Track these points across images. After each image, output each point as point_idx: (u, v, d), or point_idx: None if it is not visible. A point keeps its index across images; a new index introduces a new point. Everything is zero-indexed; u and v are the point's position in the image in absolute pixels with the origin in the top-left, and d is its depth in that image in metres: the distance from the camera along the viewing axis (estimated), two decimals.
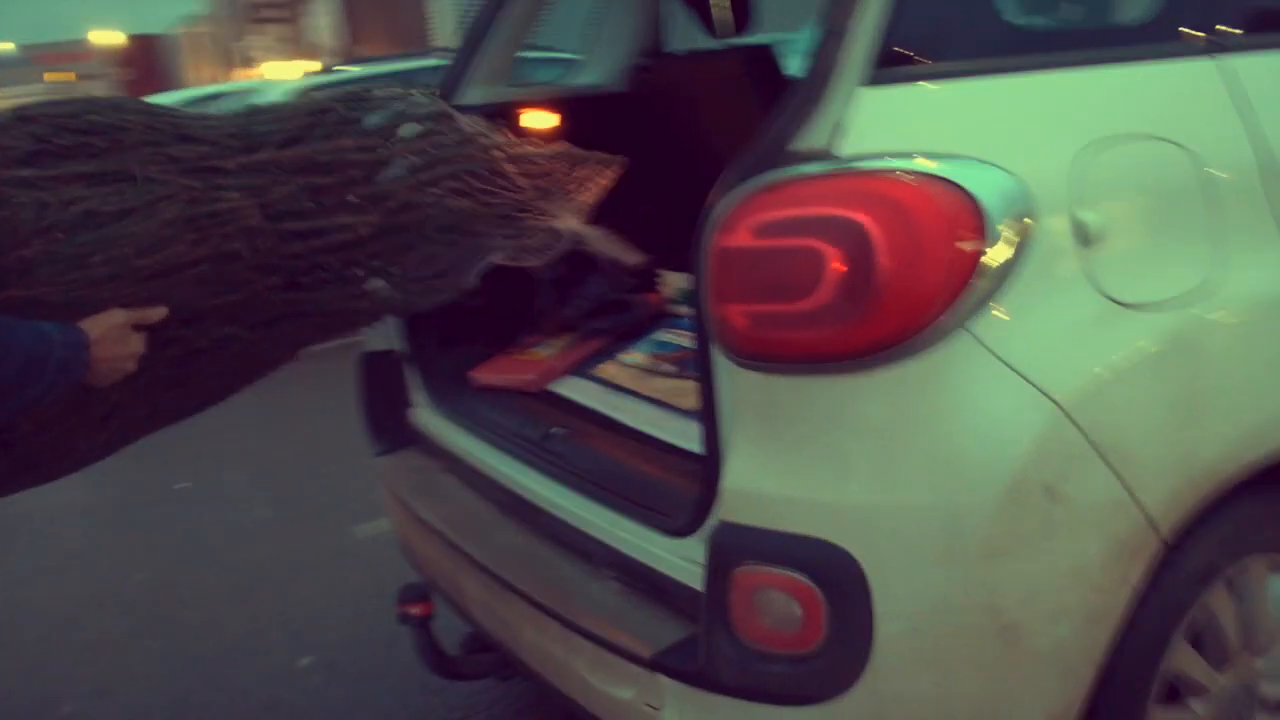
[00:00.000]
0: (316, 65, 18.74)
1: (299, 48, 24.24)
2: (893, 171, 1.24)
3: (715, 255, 1.31)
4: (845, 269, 1.23)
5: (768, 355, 1.30)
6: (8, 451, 1.52)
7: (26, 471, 1.60)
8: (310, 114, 1.70)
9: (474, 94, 2.31)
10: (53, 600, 3.30)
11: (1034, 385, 1.25)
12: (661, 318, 2.36)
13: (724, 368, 1.38)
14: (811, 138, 1.30)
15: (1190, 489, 1.35)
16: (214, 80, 23.26)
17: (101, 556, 3.63)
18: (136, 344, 1.46)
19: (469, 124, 1.74)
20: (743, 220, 1.29)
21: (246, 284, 1.59)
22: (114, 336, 1.42)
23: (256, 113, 1.73)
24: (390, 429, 2.34)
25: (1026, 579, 1.27)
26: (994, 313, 1.25)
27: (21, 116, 1.53)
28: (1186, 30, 1.47)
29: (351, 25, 21.00)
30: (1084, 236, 1.30)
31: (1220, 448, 1.36)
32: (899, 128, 1.29)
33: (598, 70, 2.69)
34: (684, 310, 2.35)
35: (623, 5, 2.70)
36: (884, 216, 1.22)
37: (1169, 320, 1.33)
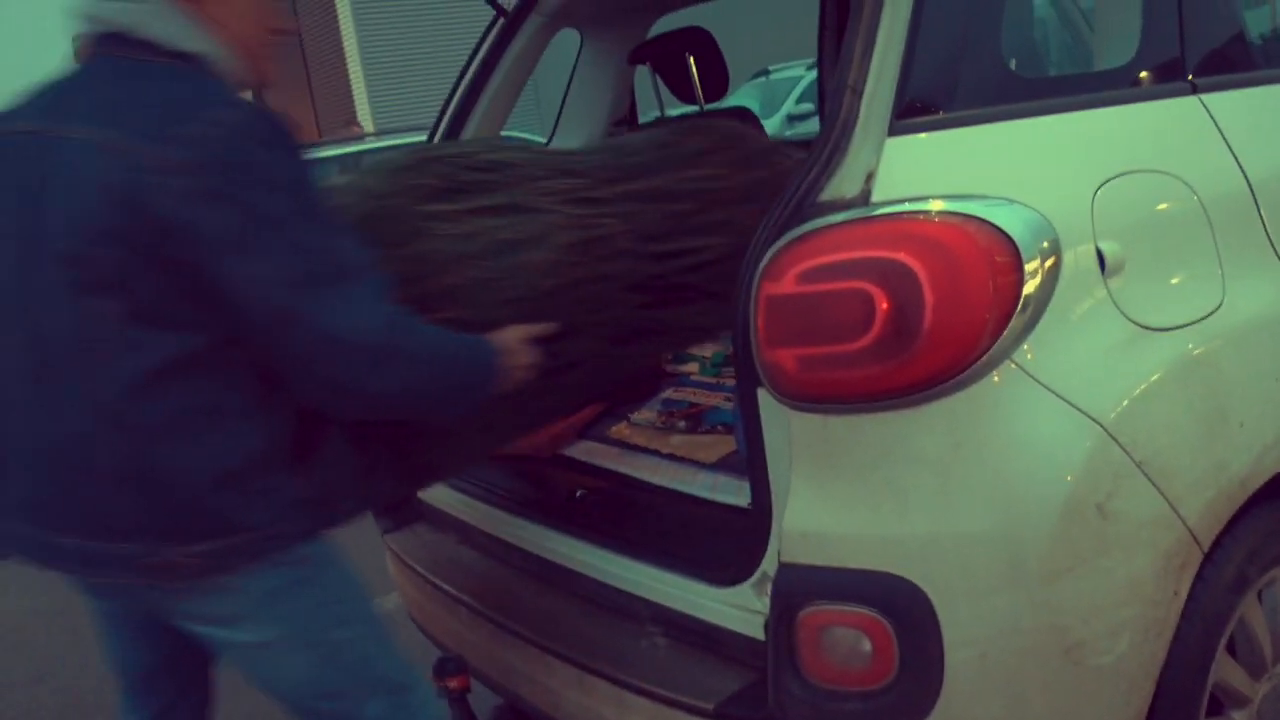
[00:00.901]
0: None
1: None
2: (930, 213, 1.31)
3: (763, 303, 1.35)
4: (893, 308, 1.28)
5: (821, 396, 1.34)
6: (406, 460, 1.64)
7: (419, 476, 1.78)
8: (659, 147, 1.90)
9: None
10: (34, 710, 3.16)
11: (1078, 409, 1.31)
12: (662, 377, 2.39)
13: (771, 412, 1.42)
14: (844, 187, 1.36)
15: (1224, 501, 1.41)
16: None
17: (80, 663, 3.49)
18: (533, 357, 1.58)
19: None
20: (788, 268, 1.34)
21: (615, 302, 1.76)
22: (515, 349, 1.54)
23: (618, 147, 1.95)
24: (396, 505, 2.33)
25: (1087, 597, 1.31)
26: (1035, 342, 1.31)
27: (426, 158, 1.72)
28: (1168, 71, 1.58)
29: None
30: (1106, 266, 1.37)
31: (1246, 459, 1.43)
32: (925, 174, 1.36)
33: (570, 138, 2.76)
34: (685, 369, 2.39)
35: (592, 78, 2.78)
36: (927, 255, 1.27)
37: (1190, 341, 1.41)
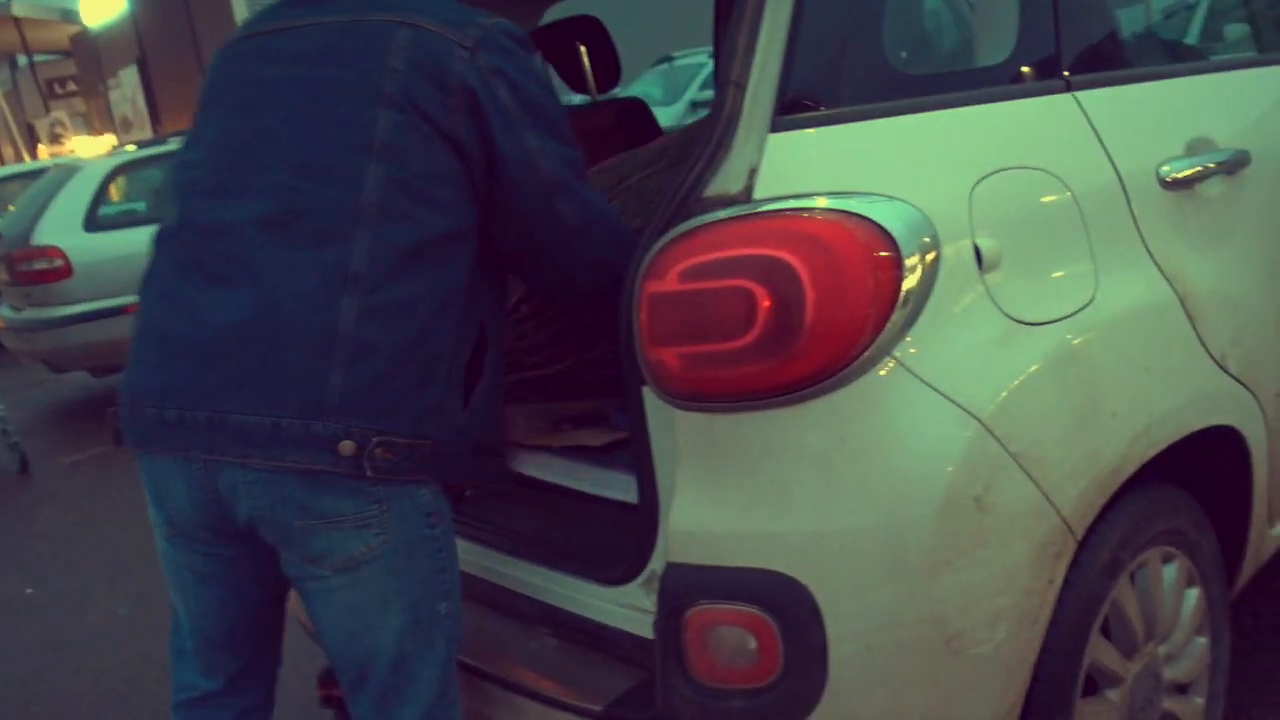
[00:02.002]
0: (116, 140, 17.96)
1: (103, 123, 23.16)
2: (811, 210, 1.30)
3: (645, 301, 1.33)
4: (774, 305, 1.27)
5: (704, 394, 1.33)
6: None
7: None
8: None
9: None
10: None
11: (956, 403, 1.33)
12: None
13: (656, 411, 1.41)
14: (728, 184, 1.35)
15: (1096, 489, 1.45)
16: (19, 159, 21.95)
17: None
18: None
19: None
20: (670, 266, 1.32)
21: None
22: None
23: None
24: None
25: (966, 588, 1.34)
26: (915, 338, 1.32)
27: None
28: (1044, 68, 1.61)
29: (157, 100, 20.23)
30: (984, 261, 1.39)
31: (1118, 448, 1.47)
32: (806, 170, 1.36)
33: None
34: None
35: None
36: (807, 252, 1.27)
37: (1063, 335, 1.44)
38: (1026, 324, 1.41)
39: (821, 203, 1.31)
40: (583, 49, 2.53)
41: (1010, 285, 1.41)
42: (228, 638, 1.55)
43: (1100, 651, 1.57)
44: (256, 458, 1.31)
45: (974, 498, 1.33)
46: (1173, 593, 1.70)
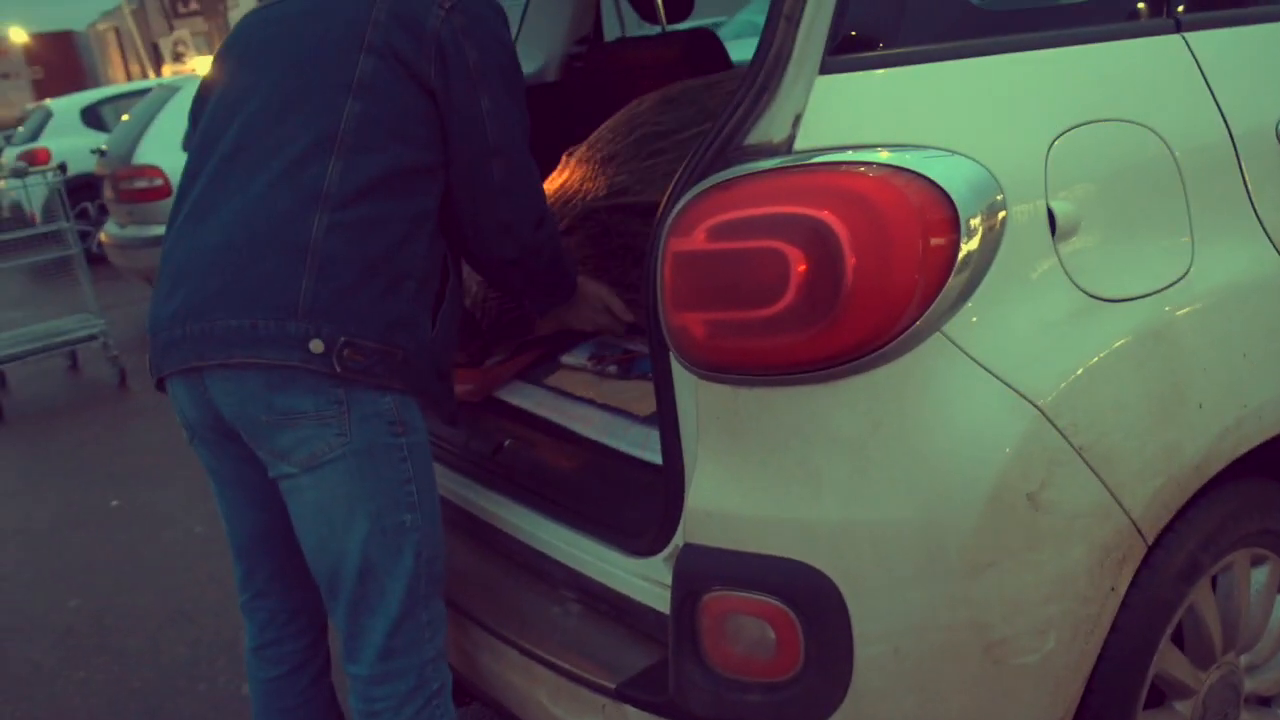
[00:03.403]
0: None
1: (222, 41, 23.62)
2: (855, 165, 1.16)
3: (670, 260, 1.22)
4: (809, 270, 1.14)
5: (730, 366, 1.21)
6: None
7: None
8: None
9: None
10: None
11: (1012, 388, 1.18)
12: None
13: (683, 379, 1.30)
14: (770, 131, 1.21)
15: (1174, 487, 1.29)
16: (144, 76, 22.59)
17: (32, 581, 3.46)
18: (595, 316, 1.93)
19: None
20: (698, 222, 1.20)
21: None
22: (589, 296, 1.90)
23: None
24: None
25: (1012, 592, 1.20)
26: (968, 313, 1.17)
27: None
28: (1151, 5, 1.41)
29: None
30: (1057, 228, 1.22)
31: (1203, 443, 1.30)
32: (857, 118, 1.21)
33: (529, 60, 2.58)
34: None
35: None
36: (849, 213, 1.13)
37: (1148, 314, 1.27)
38: (1104, 300, 1.25)
39: (867, 156, 1.16)
40: None
41: (1087, 256, 1.25)
42: (251, 544, 1.66)
43: (1170, 661, 1.42)
44: (238, 357, 1.39)
45: (1027, 494, 1.18)
46: (1261, 598, 1.53)
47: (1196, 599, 1.43)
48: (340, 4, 1.52)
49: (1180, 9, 1.42)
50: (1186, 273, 1.31)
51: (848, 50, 1.22)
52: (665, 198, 1.25)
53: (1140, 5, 1.40)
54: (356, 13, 1.49)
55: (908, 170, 1.15)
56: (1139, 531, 1.26)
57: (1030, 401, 1.18)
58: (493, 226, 1.58)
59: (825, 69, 1.21)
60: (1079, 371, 1.21)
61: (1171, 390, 1.27)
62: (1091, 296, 1.24)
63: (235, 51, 1.60)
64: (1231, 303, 1.35)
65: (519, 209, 1.58)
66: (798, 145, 1.19)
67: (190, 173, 1.54)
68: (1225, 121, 1.38)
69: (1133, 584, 1.32)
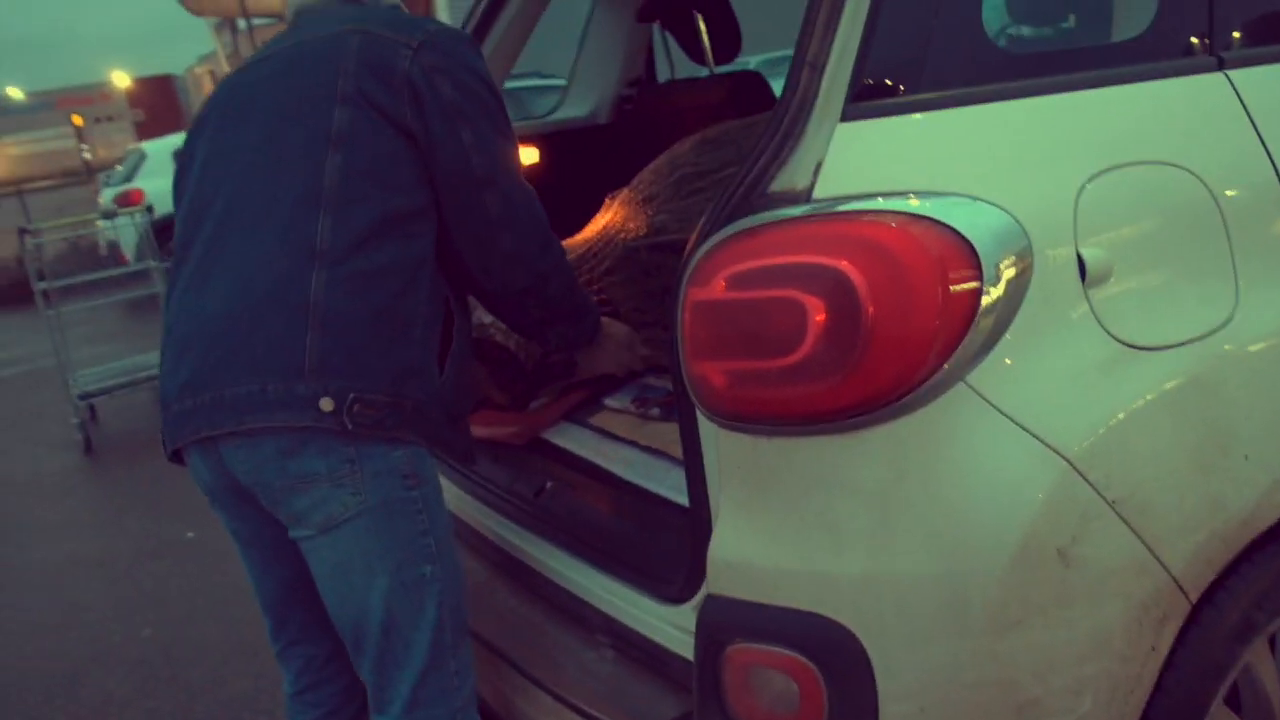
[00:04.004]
0: None
1: None
2: (873, 213, 1.15)
3: (689, 309, 1.22)
4: (827, 320, 1.13)
5: (750, 415, 1.21)
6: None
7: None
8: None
9: None
10: (57, 658, 3.24)
11: (1040, 440, 1.15)
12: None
13: (708, 427, 1.29)
14: (794, 178, 1.20)
15: (1218, 542, 1.23)
16: None
17: (110, 610, 3.57)
18: (619, 358, 1.93)
19: None
20: (716, 271, 1.19)
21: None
22: (616, 339, 1.91)
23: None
24: None
25: (1043, 651, 1.16)
26: (993, 362, 1.15)
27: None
28: (1193, 42, 1.37)
29: None
30: (1088, 274, 1.19)
31: (1250, 495, 1.25)
32: (879, 166, 1.20)
33: (581, 103, 2.61)
34: None
35: (604, 35, 2.62)
36: (866, 262, 1.12)
37: (1187, 361, 1.22)
38: (1138, 348, 1.21)
39: (890, 204, 1.15)
40: (700, 18, 2.39)
41: (1121, 302, 1.21)
42: (278, 599, 1.67)
43: None
44: (249, 423, 1.39)
45: (1057, 549, 1.15)
46: None
47: (1252, 660, 1.36)
48: (310, 60, 1.52)
49: (1224, 46, 1.37)
50: (1230, 319, 1.26)
51: (870, 97, 1.21)
52: (689, 246, 1.25)
53: (1179, 44, 1.36)
54: (327, 65, 1.49)
55: (927, 218, 1.14)
56: (1180, 588, 1.21)
57: (1059, 453, 1.15)
58: (498, 259, 1.56)
59: (846, 116, 1.20)
60: (1111, 422, 1.17)
61: (1213, 441, 1.22)
62: (1125, 344, 1.20)
63: (214, 117, 1.60)
64: None
65: (521, 237, 1.56)
66: (817, 193, 1.18)
67: (184, 241, 1.53)
68: (1273, 161, 1.33)
69: (1179, 643, 1.26)
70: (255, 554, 1.63)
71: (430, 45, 1.49)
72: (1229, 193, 1.30)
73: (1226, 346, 1.25)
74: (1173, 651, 1.26)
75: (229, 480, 1.49)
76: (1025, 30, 2.62)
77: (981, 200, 1.16)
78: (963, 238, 1.13)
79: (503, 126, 1.55)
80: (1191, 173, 1.28)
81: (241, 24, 26.19)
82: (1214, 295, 1.26)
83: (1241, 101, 1.35)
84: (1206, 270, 1.27)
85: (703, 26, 2.39)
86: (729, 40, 2.40)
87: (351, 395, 1.39)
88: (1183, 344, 1.23)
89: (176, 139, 11.28)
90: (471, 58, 1.54)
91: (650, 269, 2.00)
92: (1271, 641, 1.39)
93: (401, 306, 1.45)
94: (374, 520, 1.44)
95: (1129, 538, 1.17)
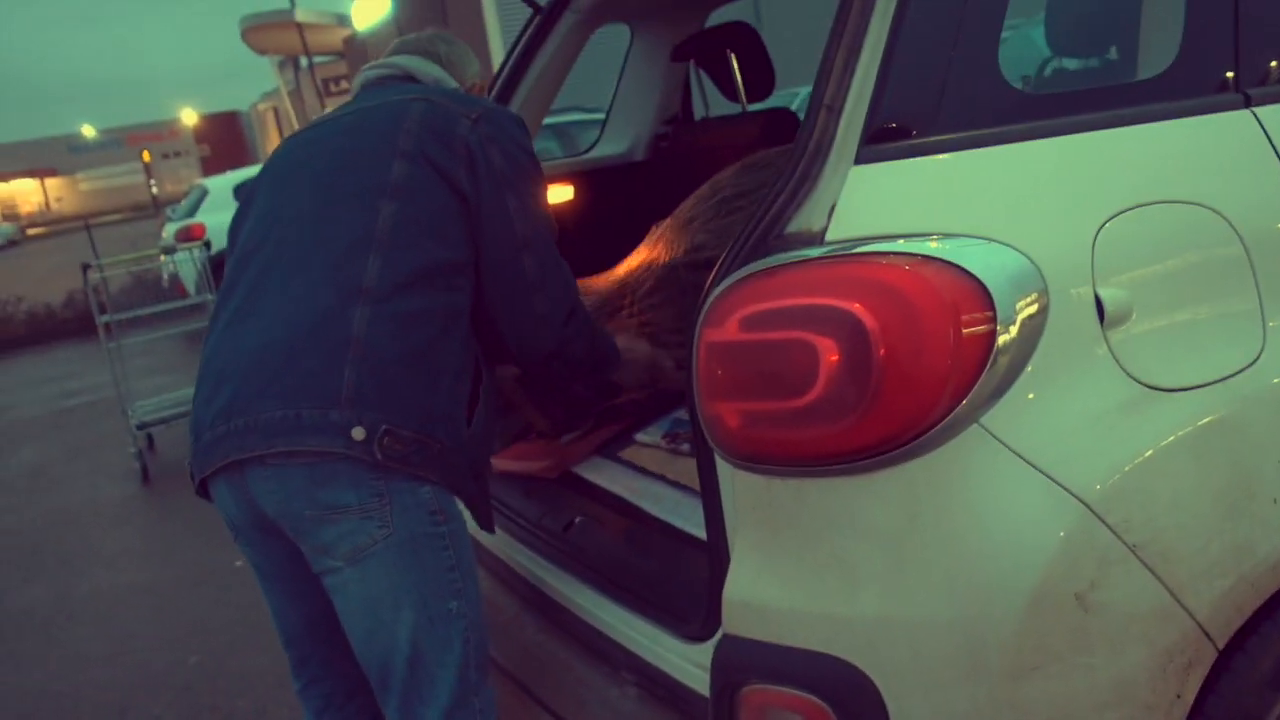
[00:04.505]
0: None
1: None
2: (886, 255, 1.15)
3: (704, 350, 1.22)
4: (840, 362, 1.13)
5: (764, 456, 1.21)
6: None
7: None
8: None
9: None
10: (108, 687, 3.31)
11: (1057, 482, 1.13)
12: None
13: (724, 467, 1.30)
14: (810, 220, 1.21)
15: (1246, 588, 1.21)
16: None
17: (158, 639, 3.64)
18: (638, 378, 1.95)
19: None
20: (731, 312, 1.20)
21: None
22: (638, 359, 1.94)
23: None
24: None
25: (1062, 699, 1.14)
26: (1008, 404, 1.14)
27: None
28: (1219, 79, 1.36)
29: None
30: (1106, 316, 1.18)
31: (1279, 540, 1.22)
32: (893, 208, 1.20)
33: (619, 140, 2.64)
34: None
35: (640, 75, 2.66)
36: (878, 304, 1.12)
37: (1211, 403, 1.20)
38: (1159, 389, 1.19)
39: (900, 247, 1.15)
40: (732, 56, 2.42)
41: (1141, 343, 1.19)
42: (301, 633, 1.69)
43: None
44: (279, 446, 1.43)
45: (1076, 594, 1.13)
46: None
47: None
48: (374, 120, 1.63)
49: (1251, 83, 1.36)
50: (1256, 360, 1.24)
51: (885, 139, 1.21)
52: (706, 286, 1.26)
53: (1205, 81, 1.35)
54: (389, 125, 1.59)
55: (939, 260, 1.14)
56: (1207, 635, 1.19)
57: (1076, 496, 1.13)
58: (529, 320, 1.63)
59: (860, 159, 1.21)
60: (1131, 465, 1.16)
61: (1239, 484, 1.20)
62: (1146, 386, 1.19)
63: (274, 169, 1.69)
64: None
65: (553, 300, 1.64)
66: (830, 235, 1.18)
67: (229, 283, 1.60)
68: None
69: (1211, 691, 1.23)
70: (278, 588, 1.66)
71: (487, 118, 1.62)
72: (1255, 231, 1.28)
73: (1251, 387, 1.22)
74: (1203, 699, 1.23)
75: (255, 513, 1.51)
76: (1069, 64, 2.60)
77: (996, 241, 1.16)
78: (976, 279, 1.13)
79: (541, 199, 1.66)
80: (1216, 211, 1.26)
81: (303, 62, 26.89)
82: (1239, 335, 1.24)
83: (1269, 139, 1.33)
84: (1231, 310, 1.25)
85: (735, 65, 2.41)
86: (762, 78, 2.42)
87: (384, 427, 1.42)
88: (1206, 385, 1.21)
89: (238, 175, 11.58)
90: (520, 134, 1.67)
91: (688, 287, 2.01)
92: None
93: (437, 351, 1.50)
94: (401, 554, 1.46)
95: (1151, 583, 1.15)
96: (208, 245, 6.11)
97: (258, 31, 24.44)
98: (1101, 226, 1.20)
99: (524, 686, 1.71)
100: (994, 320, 1.13)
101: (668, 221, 2.18)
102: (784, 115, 2.46)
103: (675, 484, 1.93)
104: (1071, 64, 2.45)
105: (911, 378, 1.12)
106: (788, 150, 2.15)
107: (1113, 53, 1.58)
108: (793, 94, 9.45)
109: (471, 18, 16.88)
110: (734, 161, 2.24)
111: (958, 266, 1.13)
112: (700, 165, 2.37)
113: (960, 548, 1.14)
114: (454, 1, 17.80)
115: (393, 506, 1.45)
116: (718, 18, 2.60)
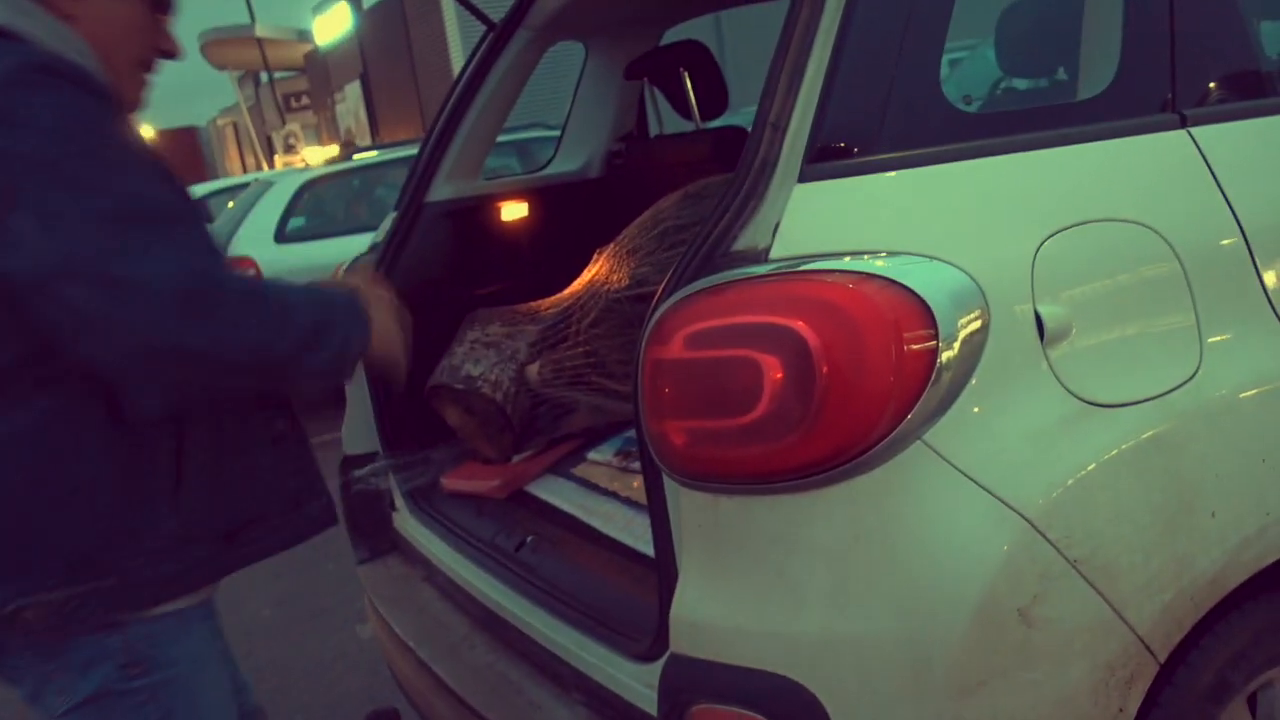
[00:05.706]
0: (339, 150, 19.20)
1: (329, 134, 24.79)
2: (829, 273, 1.15)
3: (649, 367, 1.22)
4: (783, 379, 1.13)
5: (709, 474, 1.21)
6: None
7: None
8: None
9: (442, 190, 2.26)
10: None
11: (998, 498, 1.14)
12: None
13: (672, 486, 1.29)
14: (755, 238, 1.21)
15: (1186, 602, 1.22)
16: (258, 167, 23.88)
17: None
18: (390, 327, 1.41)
19: None
20: (676, 330, 1.20)
21: None
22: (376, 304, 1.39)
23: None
24: (371, 535, 2.26)
25: (1006, 714, 1.15)
26: (950, 421, 1.15)
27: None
28: (1155, 100, 1.38)
29: (376, 112, 21.48)
30: (1046, 333, 1.19)
31: (1218, 554, 1.23)
32: (835, 226, 1.21)
33: (574, 157, 2.65)
34: None
35: (594, 93, 2.66)
36: (820, 322, 1.12)
37: (1150, 419, 1.22)
38: (1099, 405, 1.20)
39: (844, 264, 1.16)
40: (685, 74, 2.43)
41: (1081, 360, 1.21)
42: None
43: None
44: None
45: (1018, 609, 1.14)
46: None
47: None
48: None
49: (1187, 104, 1.38)
50: (1194, 375, 1.25)
51: (828, 158, 1.22)
52: (652, 304, 1.26)
53: (1141, 102, 1.37)
54: None
55: (882, 277, 1.14)
56: (1148, 648, 1.20)
57: (1018, 512, 1.14)
58: (133, 360, 1.12)
59: (804, 177, 1.21)
60: (1072, 480, 1.17)
61: (1177, 499, 1.21)
62: (1086, 402, 1.20)
63: None
64: (1248, 405, 1.29)
65: (141, 315, 1.08)
66: (774, 253, 1.19)
67: None
68: (1236, 218, 1.33)
69: (1155, 704, 1.25)
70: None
71: None
72: (1192, 249, 1.30)
73: (1189, 403, 1.24)
74: (1145, 713, 1.24)
75: None
76: (1019, 84, 2.64)
77: (938, 259, 1.17)
78: (918, 297, 1.13)
79: (101, 188, 1.09)
80: (1153, 230, 1.28)
81: (264, 77, 26.71)
82: (1177, 352, 1.26)
83: (1204, 158, 1.35)
84: (1169, 327, 1.27)
85: (689, 83, 2.42)
86: (715, 96, 2.44)
87: (12, 606, 1.15)
88: (1146, 400, 1.22)
89: (195, 191, 11.41)
90: (10, 101, 1.06)
91: (633, 319, 2.01)
92: (1251, 702, 1.36)
93: (51, 481, 1.15)
94: (85, 718, 1.23)
95: (1092, 597, 1.16)
96: None
97: (217, 46, 24.26)
98: (1041, 244, 1.21)
99: (473, 709, 1.69)
100: (936, 337, 1.13)
101: (610, 247, 2.18)
102: (736, 133, 2.48)
103: (627, 501, 1.92)
104: (1021, 84, 2.49)
105: (854, 395, 1.13)
106: (730, 179, 2.18)
107: (1060, 73, 1.61)
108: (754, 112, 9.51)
109: (433, 34, 16.89)
110: (687, 178, 2.25)
111: (900, 284, 1.14)
112: (653, 182, 2.38)
113: (904, 564, 1.14)
114: (415, 18, 17.81)
115: (69, 668, 1.21)
116: (677, 35, 2.62)
